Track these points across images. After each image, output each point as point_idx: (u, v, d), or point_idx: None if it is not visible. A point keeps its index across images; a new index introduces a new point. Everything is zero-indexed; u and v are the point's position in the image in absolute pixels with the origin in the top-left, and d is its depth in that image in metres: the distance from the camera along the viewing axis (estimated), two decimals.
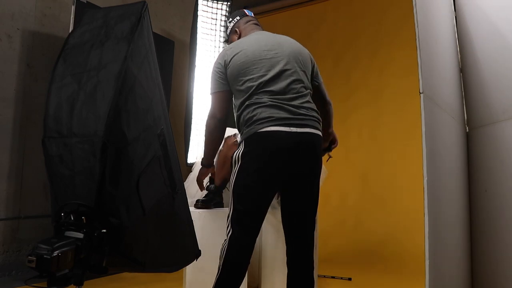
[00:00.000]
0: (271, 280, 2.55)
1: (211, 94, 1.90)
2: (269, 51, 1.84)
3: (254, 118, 1.74)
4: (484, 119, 2.47)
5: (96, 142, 1.18)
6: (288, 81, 1.79)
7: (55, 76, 1.30)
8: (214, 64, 1.92)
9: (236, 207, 1.77)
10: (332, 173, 2.80)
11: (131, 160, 1.25)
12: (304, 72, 1.87)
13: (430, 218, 1.63)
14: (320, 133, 1.81)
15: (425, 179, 1.67)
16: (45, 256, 1.01)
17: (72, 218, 1.15)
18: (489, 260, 2.37)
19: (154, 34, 1.49)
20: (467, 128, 2.64)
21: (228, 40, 2.18)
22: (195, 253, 1.65)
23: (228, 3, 3.96)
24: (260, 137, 1.71)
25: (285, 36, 1.99)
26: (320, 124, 1.83)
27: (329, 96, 2.05)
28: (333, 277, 3.07)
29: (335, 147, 2.16)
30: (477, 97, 2.56)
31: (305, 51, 1.96)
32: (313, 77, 1.96)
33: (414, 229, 3.33)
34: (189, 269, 2.26)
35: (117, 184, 1.20)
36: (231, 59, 1.84)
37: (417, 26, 1.78)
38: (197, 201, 2.45)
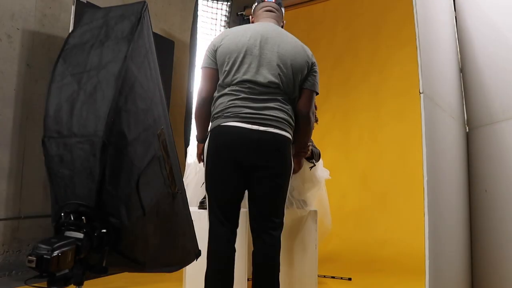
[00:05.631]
0: None
1: (200, 68, 1.96)
2: (258, 48, 1.83)
3: (221, 110, 1.81)
4: (484, 119, 2.47)
5: (96, 142, 1.18)
6: (264, 81, 1.80)
7: (55, 76, 1.30)
8: (212, 40, 1.97)
9: (209, 198, 1.89)
10: (332, 173, 2.81)
11: (131, 160, 1.25)
12: (288, 78, 1.84)
13: (430, 218, 1.63)
14: (285, 134, 1.83)
15: (425, 179, 1.66)
16: (45, 256, 1.01)
17: (72, 218, 1.15)
18: (489, 260, 2.37)
19: (154, 34, 1.49)
20: (467, 128, 2.64)
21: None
22: (195, 253, 1.65)
23: (228, 3, 3.96)
24: (221, 130, 1.79)
25: (287, 35, 1.92)
26: (288, 127, 1.85)
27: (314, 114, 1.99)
28: (333, 277, 3.07)
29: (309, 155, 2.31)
30: (477, 97, 2.55)
31: (301, 55, 1.89)
32: (302, 83, 1.90)
33: (414, 229, 3.33)
34: (189, 269, 2.26)
35: (117, 184, 1.20)
36: (222, 42, 1.87)
37: (417, 26, 1.78)
38: (200, 202, 2.48)
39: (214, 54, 1.88)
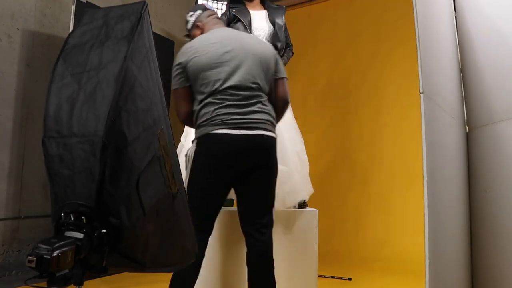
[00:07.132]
0: None
1: (172, 89, 1.96)
2: (230, 52, 1.86)
3: (207, 118, 1.82)
4: (484, 119, 2.47)
5: (96, 142, 1.18)
6: (246, 85, 1.84)
7: (55, 76, 1.30)
8: (176, 61, 1.95)
9: (190, 205, 1.86)
10: (332, 173, 2.81)
11: (131, 160, 1.25)
12: (264, 74, 1.90)
13: (430, 218, 1.63)
14: (272, 134, 1.89)
15: (425, 179, 1.66)
16: (45, 256, 1.01)
17: (72, 218, 1.15)
18: (489, 260, 2.37)
19: (154, 34, 1.49)
20: (467, 128, 2.64)
21: (189, 35, 2.16)
22: (195, 253, 1.65)
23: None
24: (210, 138, 1.80)
25: (247, 35, 2.02)
26: (272, 126, 1.91)
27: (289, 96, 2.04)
28: (333, 277, 3.07)
29: None
30: (477, 97, 2.55)
31: (268, 50, 1.98)
32: (274, 74, 1.97)
33: (414, 229, 3.33)
34: None
35: (117, 184, 1.20)
36: (191, 59, 1.87)
37: (417, 26, 1.78)
38: None
39: (184, 73, 1.88)
